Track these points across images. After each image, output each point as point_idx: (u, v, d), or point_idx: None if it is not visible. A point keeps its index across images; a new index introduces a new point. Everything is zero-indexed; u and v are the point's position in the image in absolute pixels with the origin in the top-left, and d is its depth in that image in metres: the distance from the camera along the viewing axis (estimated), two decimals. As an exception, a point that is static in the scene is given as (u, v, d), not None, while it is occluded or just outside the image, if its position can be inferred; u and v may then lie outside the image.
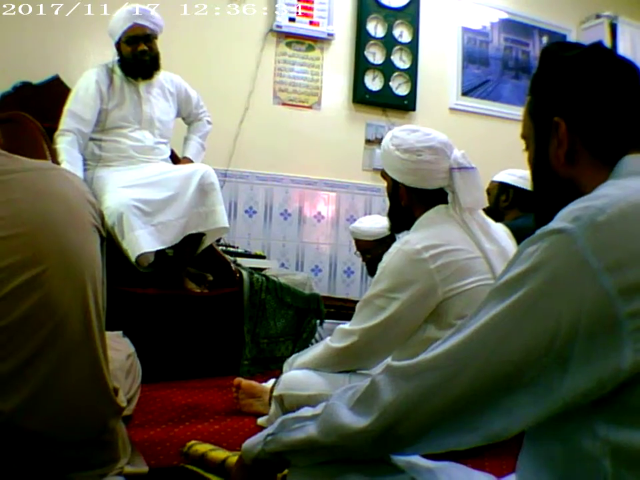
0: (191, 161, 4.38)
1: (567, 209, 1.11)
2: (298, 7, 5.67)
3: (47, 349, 1.65)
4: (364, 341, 2.48)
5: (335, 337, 2.58)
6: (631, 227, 1.04)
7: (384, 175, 2.74)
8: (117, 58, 4.17)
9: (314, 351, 2.69)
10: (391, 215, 2.79)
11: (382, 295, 2.46)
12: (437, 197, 2.62)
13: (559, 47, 1.37)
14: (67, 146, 3.88)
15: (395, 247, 2.52)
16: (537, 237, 1.11)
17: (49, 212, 1.72)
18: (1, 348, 1.60)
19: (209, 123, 4.61)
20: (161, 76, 4.32)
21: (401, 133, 2.63)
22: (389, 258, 2.50)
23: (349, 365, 2.58)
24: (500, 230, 2.73)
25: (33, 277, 1.62)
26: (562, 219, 1.08)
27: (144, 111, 4.18)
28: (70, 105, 4.01)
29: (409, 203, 2.66)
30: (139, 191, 3.81)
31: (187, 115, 4.54)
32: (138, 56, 4.09)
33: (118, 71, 4.15)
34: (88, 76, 4.11)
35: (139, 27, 4.05)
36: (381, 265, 2.53)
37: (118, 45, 4.11)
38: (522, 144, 1.46)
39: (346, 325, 2.57)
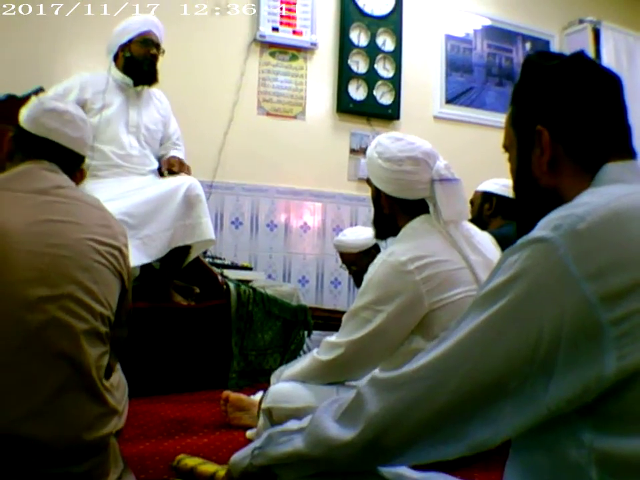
0: (179, 160, 4.33)
1: (548, 217, 1.12)
2: (281, 16, 5.67)
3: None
4: (350, 353, 2.48)
5: (321, 349, 2.58)
6: (612, 234, 1.05)
7: (369, 181, 2.74)
8: (113, 64, 4.20)
9: (301, 364, 2.68)
10: (375, 222, 2.78)
11: (368, 307, 2.45)
12: (419, 207, 2.60)
13: (540, 57, 1.39)
14: None
15: (380, 258, 2.51)
16: (518, 247, 1.12)
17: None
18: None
19: (178, 147, 4.56)
20: (153, 91, 4.39)
21: (385, 141, 2.62)
22: (375, 270, 2.49)
23: (337, 377, 2.57)
24: (486, 240, 2.72)
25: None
26: (543, 228, 1.10)
27: (130, 115, 4.20)
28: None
29: (391, 211, 2.65)
30: (125, 204, 3.79)
31: (163, 136, 4.50)
32: (149, 58, 4.18)
33: (115, 74, 4.18)
34: (74, 78, 4.17)
35: (153, 34, 4.20)
36: (366, 277, 2.52)
37: (125, 46, 4.17)
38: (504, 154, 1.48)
39: (333, 337, 2.56)
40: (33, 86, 4.49)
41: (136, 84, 4.22)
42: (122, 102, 4.20)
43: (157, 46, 4.22)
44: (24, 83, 4.52)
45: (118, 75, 4.19)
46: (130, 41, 4.15)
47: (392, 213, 2.65)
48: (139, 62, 4.16)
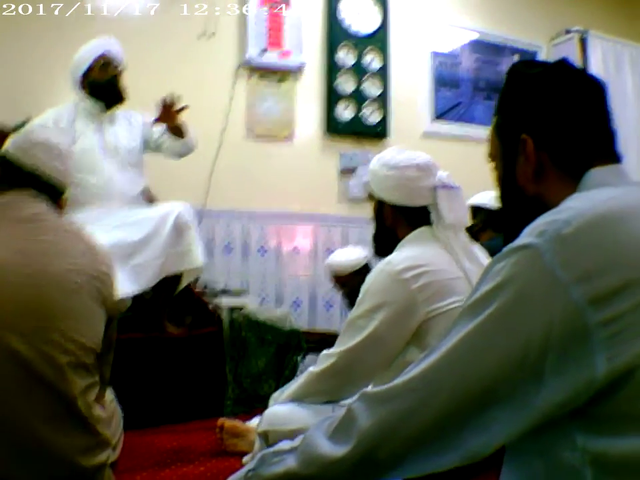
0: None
1: (533, 224, 1.12)
2: (269, 38, 5.64)
3: None
4: (343, 362, 2.45)
5: (317, 363, 2.57)
6: (597, 237, 1.05)
7: (371, 196, 2.75)
8: (81, 93, 4.20)
9: (298, 381, 2.67)
10: (376, 237, 2.79)
11: (363, 315, 2.44)
12: (421, 216, 2.61)
13: (524, 65, 1.40)
14: None
15: (377, 267, 2.51)
16: (504, 254, 1.12)
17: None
18: None
19: None
20: (123, 112, 4.36)
21: (388, 154, 2.66)
22: (372, 279, 2.50)
23: (332, 390, 2.53)
24: (481, 250, 2.74)
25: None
26: (528, 235, 1.10)
27: (107, 140, 4.19)
28: None
29: (393, 222, 2.65)
30: (115, 233, 3.78)
31: (152, 138, 4.45)
32: (110, 80, 4.16)
33: (83, 103, 4.18)
34: (47, 113, 4.16)
35: (109, 55, 4.17)
36: (363, 286, 2.52)
37: (86, 74, 4.15)
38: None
39: (329, 350, 2.56)
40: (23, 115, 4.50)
41: (107, 107, 4.22)
42: (95, 129, 4.19)
43: (116, 65, 4.20)
44: (13, 113, 4.51)
45: (87, 103, 4.18)
46: (89, 69, 4.14)
47: (393, 225, 2.66)
48: (101, 85, 4.15)
